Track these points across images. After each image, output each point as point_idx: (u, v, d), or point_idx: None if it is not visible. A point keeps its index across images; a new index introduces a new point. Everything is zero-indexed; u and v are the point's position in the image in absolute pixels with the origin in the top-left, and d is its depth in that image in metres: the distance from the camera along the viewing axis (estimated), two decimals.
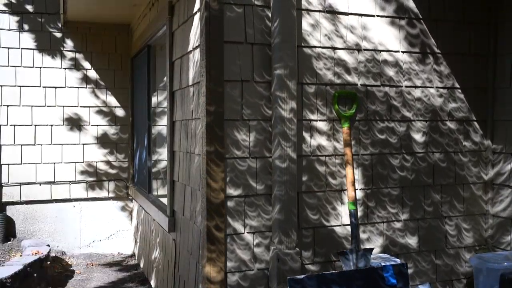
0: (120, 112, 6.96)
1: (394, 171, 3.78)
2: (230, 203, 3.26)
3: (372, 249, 3.49)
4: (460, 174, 4.01)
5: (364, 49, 3.67)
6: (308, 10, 3.50)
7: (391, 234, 3.77)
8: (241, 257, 3.28)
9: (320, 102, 3.54)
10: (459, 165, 4.02)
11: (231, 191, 3.27)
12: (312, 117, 3.52)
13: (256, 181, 3.32)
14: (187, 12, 3.80)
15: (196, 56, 3.54)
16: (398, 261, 3.39)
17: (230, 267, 3.25)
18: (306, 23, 3.50)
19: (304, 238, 3.45)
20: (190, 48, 3.72)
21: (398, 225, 3.79)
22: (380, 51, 3.72)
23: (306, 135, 3.50)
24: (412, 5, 3.83)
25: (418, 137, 3.86)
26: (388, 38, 3.75)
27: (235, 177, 3.28)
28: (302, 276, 2.94)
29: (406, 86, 3.81)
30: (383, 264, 3.24)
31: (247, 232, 3.30)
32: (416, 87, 3.84)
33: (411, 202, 3.84)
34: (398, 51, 3.77)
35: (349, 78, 3.62)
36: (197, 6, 3.49)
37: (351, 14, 3.63)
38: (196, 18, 3.52)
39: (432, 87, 3.90)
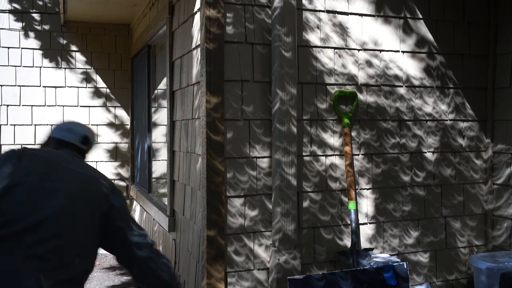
0: (120, 112, 6.96)
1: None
2: (230, 204, 3.26)
3: (372, 249, 3.49)
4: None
5: (364, 48, 3.68)
6: (313, 10, 3.51)
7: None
8: (241, 258, 3.28)
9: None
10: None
11: (232, 192, 3.27)
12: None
13: (256, 182, 3.32)
14: (187, 12, 3.80)
15: (196, 56, 3.54)
16: (399, 261, 3.39)
17: (230, 268, 3.25)
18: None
19: (305, 240, 3.46)
20: (190, 48, 3.72)
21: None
22: (380, 50, 3.72)
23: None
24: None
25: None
26: (388, 38, 3.76)
27: (235, 177, 3.28)
28: (302, 276, 2.95)
29: (408, 85, 3.82)
30: (383, 264, 3.24)
31: (248, 233, 3.30)
32: (417, 86, 3.85)
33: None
34: (398, 51, 3.78)
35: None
36: (197, 6, 3.49)
37: (351, 13, 3.63)
38: (196, 18, 3.52)
39: (432, 87, 3.90)
